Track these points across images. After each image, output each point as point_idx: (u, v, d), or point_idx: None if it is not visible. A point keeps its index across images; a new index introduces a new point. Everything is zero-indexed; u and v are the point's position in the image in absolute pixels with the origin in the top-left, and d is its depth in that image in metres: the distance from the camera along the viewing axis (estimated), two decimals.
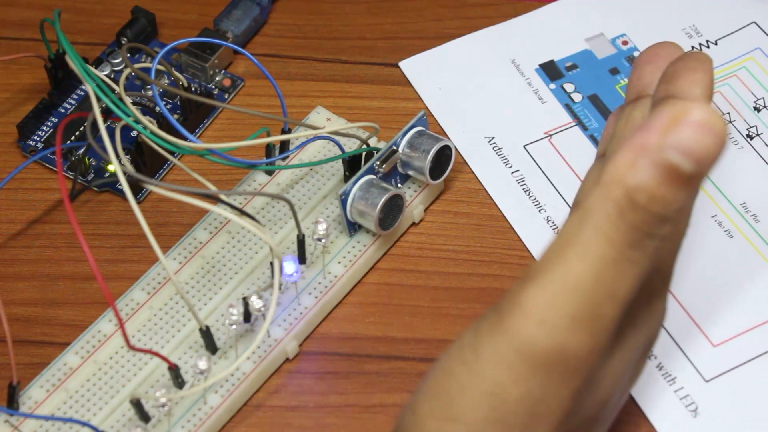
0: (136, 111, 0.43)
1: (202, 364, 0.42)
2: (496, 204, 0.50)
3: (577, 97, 0.53)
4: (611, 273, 0.33)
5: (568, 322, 0.33)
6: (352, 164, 0.48)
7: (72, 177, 0.50)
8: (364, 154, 0.48)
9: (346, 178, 0.49)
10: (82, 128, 0.52)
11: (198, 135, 0.52)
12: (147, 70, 0.52)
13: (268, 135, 0.48)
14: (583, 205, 0.33)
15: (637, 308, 0.37)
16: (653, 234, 0.33)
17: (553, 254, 0.34)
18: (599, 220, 0.33)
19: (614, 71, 0.54)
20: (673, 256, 0.39)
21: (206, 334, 0.44)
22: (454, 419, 0.34)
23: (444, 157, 0.48)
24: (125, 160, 0.43)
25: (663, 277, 0.38)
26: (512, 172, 0.51)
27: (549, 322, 0.33)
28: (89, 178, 0.51)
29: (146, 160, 0.50)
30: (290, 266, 0.45)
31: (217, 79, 0.54)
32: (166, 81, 0.54)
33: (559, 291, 0.33)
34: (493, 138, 0.52)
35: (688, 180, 0.32)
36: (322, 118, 0.52)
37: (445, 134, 0.52)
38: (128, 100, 0.43)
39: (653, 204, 0.32)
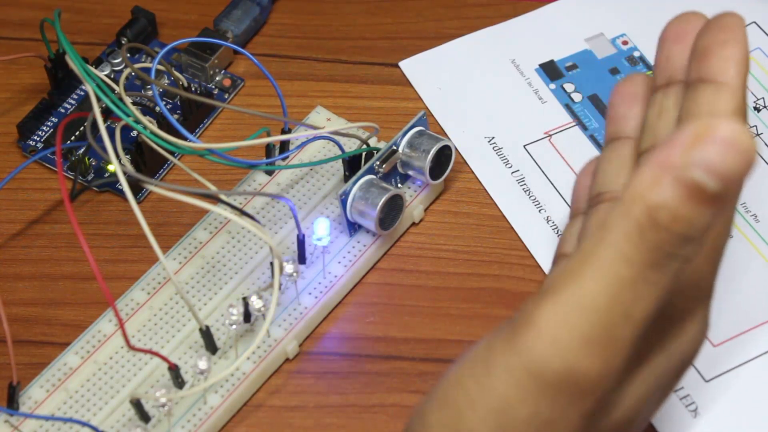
0: (136, 111, 0.43)
1: (202, 364, 0.42)
2: (496, 204, 0.50)
3: (577, 97, 0.53)
4: (628, 294, 0.32)
5: (580, 342, 0.32)
6: (352, 164, 0.48)
7: (72, 177, 0.50)
8: (364, 154, 0.48)
9: (346, 178, 0.49)
10: (82, 128, 0.52)
11: (198, 135, 0.52)
12: (147, 70, 0.52)
13: (268, 135, 0.48)
14: (604, 221, 0.32)
15: (665, 330, 0.36)
16: (675, 255, 0.32)
17: (569, 272, 0.33)
18: (618, 238, 0.32)
19: (614, 71, 0.54)
20: (709, 275, 0.37)
21: (206, 334, 0.44)
22: None
23: (444, 157, 0.48)
24: (125, 160, 0.43)
25: (697, 297, 0.37)
26: (512, 172, 0.51)
27: (561, 342, 0.32)
28: (89, 178, 0.51)
29: (146, 160, 0.50)
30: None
31: (217, 79, 0.54)
32: (166, 81, 0.54)
33: (572, 310, 0.32)
34: (493, 138, 0.52)
35: (714, 199, 0.31)
36: (322, 118, 0.52)
37: (445, 134, 0.52)
38: (128, 100, 0.43)
39: (675, 223, 0.31)
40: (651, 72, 0.41)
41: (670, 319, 0.36)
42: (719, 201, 0.31)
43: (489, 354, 0.34)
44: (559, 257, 0.43)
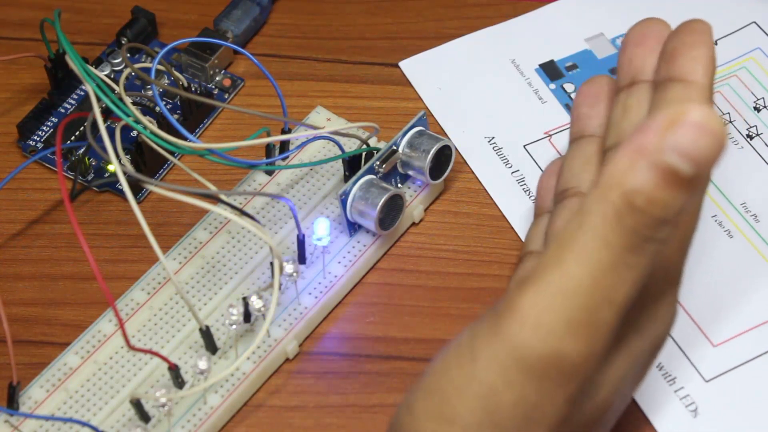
0: (136, 111, 0.43)
1: (202, 364, 0.42)
2: (496, 204, 0.50)
3: None
4: (609, 278, 0.33)
5: (563, 327, 0.33)
6: (352, 164, 0.48)
7: (72, 177, 0.50)
8: (364, 154, 0.48)
9: (346, 178, 0.49)
10: (82, 128, 0.52)
11: (198, 135, 0.52)
12: (147, 70, 0.52)
13: (268, 135, 0.48)
14: (582, 207, 0.33)
15: (640, 312, 0.37)
16: (652, 237, 0.33)
17: (550, 258, 0.33)
18: (597, 223, 0.32)
19: (614, 71, 0.54)
20: (679, 259, 0.38)
21: (206, 334, 0.44)
22: (449, 421, 0.34)
23: (444, 157, 0.48)
24: (125, 160, 0.43)
25: (669, 280, 0.38)
26: (512, 172, 0.51)
27: (544, 327, 0.33)
28: (89, 178, 0.51)
29: (146, 160, 0.50)
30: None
31: (217, 79, 0.54)
32: (166, 81, 0.54)
33: (555, 295, 0.33)
34: (493, 138, 0.52)
35: (688, 182, 0.32)
36: (322, 118, 0.52)
37: (445, 134, 0.52)
38: (128, 100, 0.43)
39: (652, 207, 0.32)
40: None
41: (645, 302, 0.37)
42: (693, 184, 0.32)
43: (473, 342, 0.34)
44: (524, 256, 0.44)
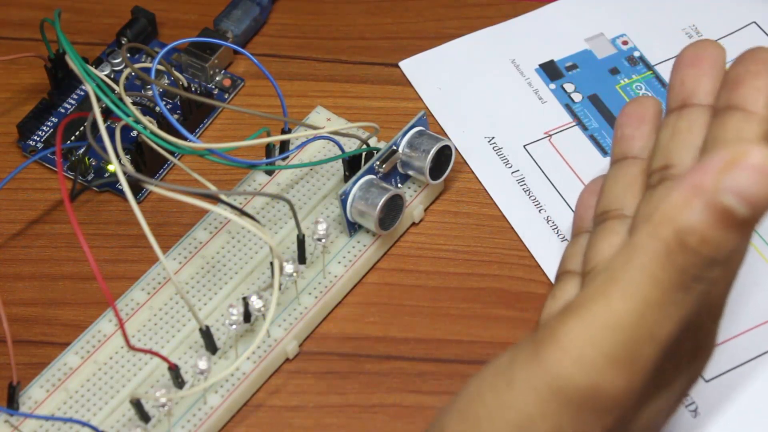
0: (136, 111, 0.43)
1: (202, 364, 0.42)
2: (496, 204, 0.50)
3: (577, 97, 0.53)
4: (654, 315, 0.32)
5: (605, 361, 0.32)
6: (352, 164, 0.48)
7: (72, 177, 0.50)
8: (364, 154, 0.48)
9: (346, 178, 0.49)
10: (82, 128, 0.52)
11: (198, 135, 0.52)
12: (147, 70, 0.52)
13: (268, 135, 0.48)
14: (632, 241, 0.33)
15: (683, 349, 0.36)
16: (702, 277, 0.32)
17: (596, 290, 0.33)
18: (646, 259, 0.32)
19: (614, 71, 0.54)
20: (723, 297, 0.38)
21: (206, 334, 0.44)
22: None
23: (444, 157, 0.48)
24: (125, 160, 0.43)
25: (712, 316, 0.37)
26: (512, 172, 0.51)
27: (586, 359, 0.32)
28: (89, 178, 0.51)
29: (146, 160, 0.50)
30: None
31: (217, 79, 0.54)
32: (166, 81, 0.54)
33: (599, 329, 0.32)
34: (493, 138, 0.52)
35: (742, 224, 0.31)
36: (322, 118, 0.52)
37: (445, 134, 0.52)
38: (128, 100, 0.43)
39: (704, 247, 0.31)
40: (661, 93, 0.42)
41: (690, 338, 0.36)
42: (747, 226, 0.31)
43: (511, 368, 0.34)
44: (562, 275, 0.43)
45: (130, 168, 0.42)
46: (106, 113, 0.51)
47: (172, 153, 0.45)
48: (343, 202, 0.46)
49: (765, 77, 0.38)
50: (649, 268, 0.32)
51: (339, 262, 0.47)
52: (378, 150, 0.48)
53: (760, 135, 0.37)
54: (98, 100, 0.43)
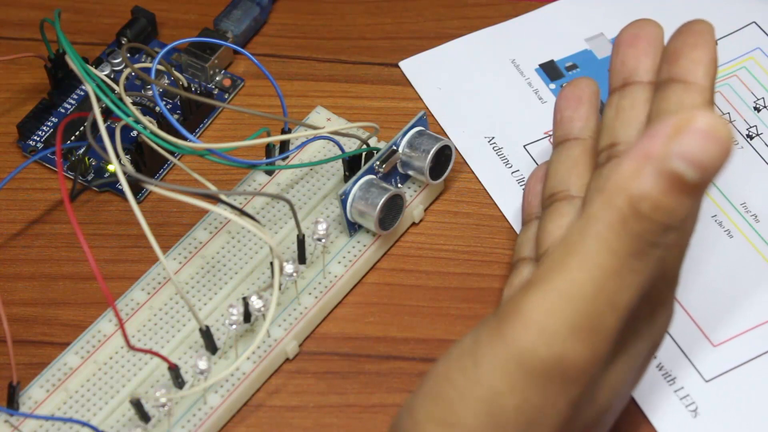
0: (136, 111, 0.43)
1: (202, 364, 0.42)
2: (496, 204, 0.50)
3: None
4: (613, 283, 0.33)
5: (567, 331, 0.33)
6: (352, 164, 0.48)
7: (72, 177, 0.50)
8: (364, 154, 0.48)
9: (346, 178, 0.49)
10: (82, 128, 0.52)
11: (198, 135, 0.52)
12: (147, 70, 0.52)
13: (268, 135, 0.48)
14: (586, 212, 0.33)
15: (641, 317, 0.37)
16: (657, 243, 0.33)
17: (554, 262, 0.33)
18: (602, 229, 0.32)
19: None
20: (678, 263, 0.38)
21: (206, 334, 0.44)
22: (451, 425, 0.34)
23: (444, 157, 0.48)
24: (125, 160, 0.43)
25: (668, 284, 0.38)
26: (512, 172, 0.51)
27: (549, 331, 0.33)
28: (89, 178, 0.51)
29: (146, 160, 0.50)
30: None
31: (217, 79, 0.54)
32: (166, 81, 0.54)
33: (559, 300, 0.33)
34: (493, 138, 0.52)
35: (693, 188, 0.32)
36: (322, 118, 0.52)
37: (445, 134, 0.52)
38: (128, 100, 0.43)
39: (657, 213, 0.32)
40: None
41: (645, 306, 0.37)
42: (698, 190, 0.32)
43: (476, 346, 0.34)
44: (517, 262, 0.44)
45: (130, 168, 0.42)
46: (106, 113, 0.51)
47: (172, 153, 0.45)
48: (343, 202, 0.46)
49: (702, 49, 0.39)
50: (605, 237, 0.32)
51: (339, 262, 0.47)
52: (378, 150, 0.48)
53: (701, 104, 0.38)
54: (98, 100, 0.43)
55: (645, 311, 0.37)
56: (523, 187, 0.50)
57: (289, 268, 0.44)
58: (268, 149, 0.50)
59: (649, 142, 0.32)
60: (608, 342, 0.34)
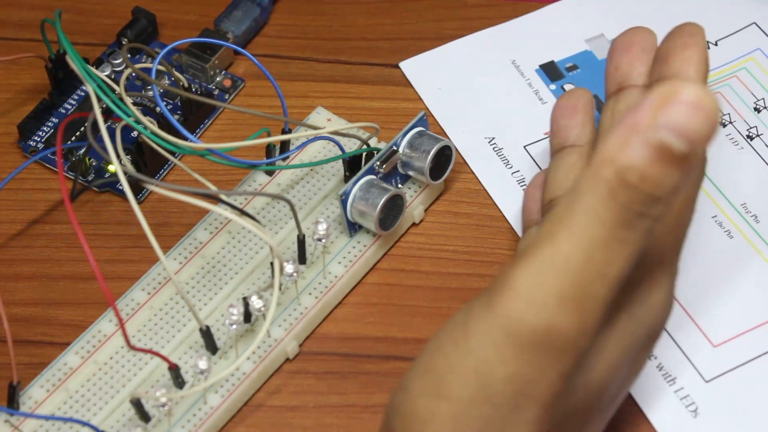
0: (136, 111, 0.43)
1: (202, 364, 0.42)
2: (496, 204, 0.50)
3: None
4: (601, 253, 0.33)
5: (556, 301, 0.33)
6: (352, 164, 0.48)
7: (72, 177, 0.50)
8: (364, 154, 0.48)
9: (347, 179, 0.49)
10: (82, 128, 0.52)
11: (198, 135, 0.52)
12: (147, 70, 0.52)
13: (269, 135, 0.48)
14: (575, 187, 0.33)
15: (633, 295, 0.37)
16: (645, 214, 0.33)
17: (543, 234, 0.34)
18: (590, 199, 0.33)
19: None
20: (673, 244, 0.38)
21: (206, 334, 0.44)
22: (442, 396, 0.34)
23: (444, 157, 0.48)
24: (125, 160, 0.43)
25: (662, 264, 0.38)
26: (512, 173, 0.51)
27: (537, 300, 0.33)
28: (90, 178, 0.51)
29: (146, 160, 0.50)
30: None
31: (218, 79, 0.54)
32: (167, 81, 0.54)
33: (547, 270, 0.33)
34: (493, 138, 0.52)
35: (681, 160, 0.32)
36: (322, 118, 0.52)
37: (445, 134, 0.52)
38: (129, 101, 0.43)
39: (645, 183, 0.32)
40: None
41: (637, 283, 0.37)
42: (685, 162, 0.32)
43: (467, 318, 0.35)
44: None
45: (130, 168, 0.42)
46: (107, 113, 0.51)
47: (172, 153, 0.45)
48: (344, 203, 0.46)
49: (693, 48, 0.39)
50: (593, 207, 0.33)
51: (339, 263, 0.47)
52: (378, 150, 0.48)
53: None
54: (99, 100, 0.43)
55: (638, 291, 0.37)
56: (524, 189, 0.50)
57: (289, 268, 0.45)
58: (269, 149, 0.50)
59: (636, 114, 0.32)
60: (598, 313, 0.34)
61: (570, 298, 0.33)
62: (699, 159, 0.34)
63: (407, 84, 0.54)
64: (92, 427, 0.43)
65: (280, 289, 0.44)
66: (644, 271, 0.37)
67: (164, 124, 0.49)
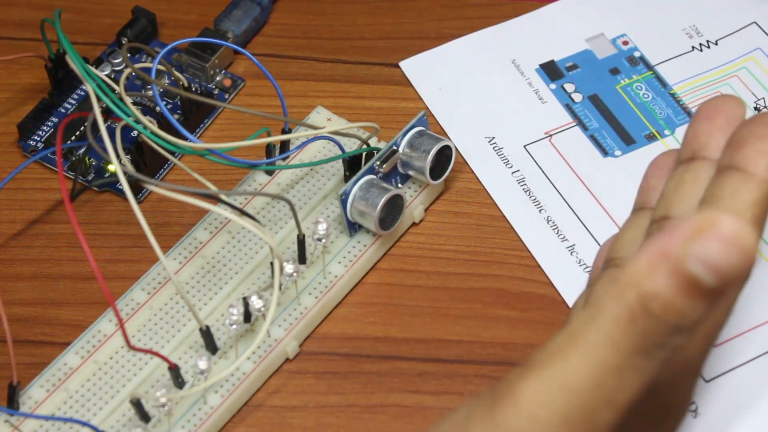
0: (136, 111, 0.43)
1: (202, 364, 0.42)
2: (496, 204, 0.50)
3: (577, 97, 0.53)
4: (612, 379, 0.32)
5: (559, 422, 0.32)
6: (352, 164, 0.48)
7: (72, 177, 0.50)
8: (364, 154, 0.48)
9: (347, 178, 0.49)
10: (82, 128, 0.52)
11: (198, 135, 0.52)
12: (147, 70, 0.52)
13: (269, 135, 0.48)
14: (595, 302, 0.32)
15: (651, 412, 0.36)
16: (664, 344, 0.31)
17: (556, 348, 0.32)
18: (608, 321, 0.31)
19: (615, 71, 0.54)
20: (699, 357, 0.37)
21: (206, 334, 0.44)
22: None
23: (444, 157, 0.48)
24: (125, 160, 0.43)
25: (685, 374, 0.37)
26: (512, 172, 0.51)
27: (540, 420, 0.32)
28: (89, 178, 0.51)
29: (146, 160, 0.50)
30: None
31: (218, 79, 0.54)
32: (167, 81, 0.54)
33: (555, 390, 0.32)
34: (493, 138, 0.52)
35: (709, 293, 0.30)
36: (322, 118, 0.52)
37: (445, 134, 0.52)
38: (128, 100, 0.43)
39: (667, 314, 0.31)
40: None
41: (656, 395, 0.36)
42: (715, 296, 0.30)
43: (468, 422, 0.34)
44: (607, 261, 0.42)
45: (130, 168, 0.42)
46: (107, 113, 0.51)
47: (172, 153, 0.45)
48: (344, 202, 0.46)
49: None
50: (610, 331, 0.31)
51: (339, 262, 0.47)
52: (378, 150, 0.48)
53: (754, 198, 0.36)
54: (98, 100, 0.43)
55: (656, 410, 0.36)
56: (524, 189, 0.50)
57: (289, 268, 0.44)
58: (269, 149, 0.50)
59: (668, 240, 0.30)
60: None
61: (574, 422, 0.32)
62: (731, 291, 0.33)
63: (407, 84, 0.54)
64: (92, 427, 0.43)
65: (280, 289, 0.44)
66: (665, 380, 0.36)
67: (164, 123, 0.49)
